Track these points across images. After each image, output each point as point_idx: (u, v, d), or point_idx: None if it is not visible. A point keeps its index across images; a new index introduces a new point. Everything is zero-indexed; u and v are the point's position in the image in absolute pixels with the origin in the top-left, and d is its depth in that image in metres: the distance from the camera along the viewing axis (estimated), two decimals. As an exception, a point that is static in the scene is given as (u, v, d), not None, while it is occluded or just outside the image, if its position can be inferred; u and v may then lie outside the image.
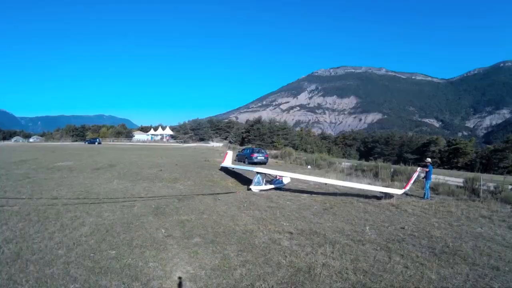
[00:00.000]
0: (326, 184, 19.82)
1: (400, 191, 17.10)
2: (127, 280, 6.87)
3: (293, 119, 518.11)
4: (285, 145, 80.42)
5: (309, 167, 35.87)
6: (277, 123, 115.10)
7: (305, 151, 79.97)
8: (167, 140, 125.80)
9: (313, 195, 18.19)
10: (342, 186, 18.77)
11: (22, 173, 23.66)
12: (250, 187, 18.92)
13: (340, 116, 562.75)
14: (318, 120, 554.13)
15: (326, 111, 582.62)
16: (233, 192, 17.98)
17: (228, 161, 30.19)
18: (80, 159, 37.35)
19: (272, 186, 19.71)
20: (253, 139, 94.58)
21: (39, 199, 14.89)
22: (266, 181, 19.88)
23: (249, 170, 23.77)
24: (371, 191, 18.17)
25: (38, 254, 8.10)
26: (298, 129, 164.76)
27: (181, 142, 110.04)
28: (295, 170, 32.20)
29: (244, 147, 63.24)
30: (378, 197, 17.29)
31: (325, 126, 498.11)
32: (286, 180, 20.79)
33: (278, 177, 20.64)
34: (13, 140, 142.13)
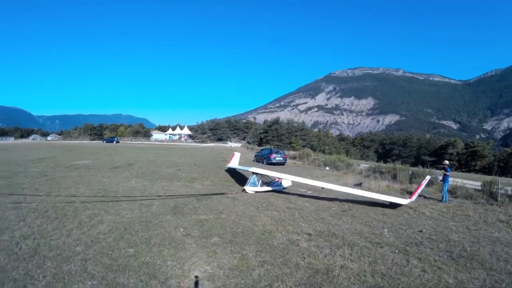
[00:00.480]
0: (323, 188, 18.46)
1: (406, 201, 15.81)
2: (145, 278, 6.85)
3: (311, 120, 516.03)
4: (303, 146, 79.92)
5: (327, 168, 35.46)
6: (295, 124, 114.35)
7: (323, 152, 79.19)
8: (185, 139, 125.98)
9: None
10: (343, 192, 17.14)
11: (40, 171, 24.00)
12: (244, 187, 18.44)
13: (358, 117, 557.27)
14: (336, 121, 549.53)
15: (344, 112, 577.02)
16: (223, 193, 17.54)
17: (234, 162, 29.05)
18: (98, 157, 37.77)
19: (269, 188, 19.07)
20: (271, 139, 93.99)
21: (57, 196, 15.01)
22: (263, 182, 19.47)
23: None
24: (375, 199, 16.51)
25: (56, 251, 8.12)
26: (316, 130, 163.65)
27: (199, 142, 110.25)
28: (313, 171, 32.23)
29: (262, 147, 62.95)
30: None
31: (343, 127, 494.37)
32: (286, 183, 19.99)
33: (277, 179, 19.91)
34: (30, 138, 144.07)
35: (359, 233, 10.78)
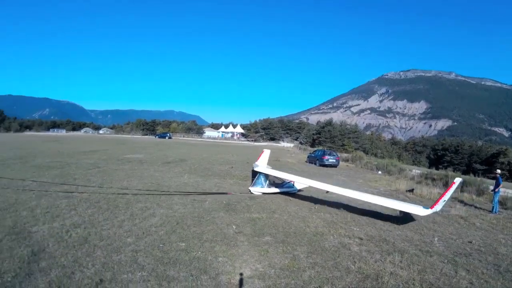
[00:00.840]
0: (327, 192, 16.36)
1: (426, 212, 12.79)
2: (195, 272, 6.84)
3: (363, 122, 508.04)
4: (355, 149, 78.85)
5: (379, 172, 34.69)
6: (348, 126, 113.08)
7: (376, 155, 77.49)
8: (238, 138, 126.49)
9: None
10: (348, 197, 15.29)
11: (92, 163, 24.66)
12: (250, 188, 17.46)
13: (410, 121, 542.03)
14: (389, 124, 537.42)
15: (397, 116, 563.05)
16: (226, 193, 16.46)
17: (262, 161, 22.58)
18: (150, 152, 38.57)
19: (277, 190, 17.78)
20: (324, 141, 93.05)
21: (109, 188, 15.23)
22: (274, 182, 18.39)
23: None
24: (388, 207, 14.07)
25: (106, 241, 8.15)
26: (368, 133, 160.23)
27: (252, 140, 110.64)
28: (365, 175, 31.97)
29: (315, 148, 62.90)
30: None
31: (395, 131, 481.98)
32: (300, 186, 18.56)
33: (290, 181, 18.37)
34: (82, 131, 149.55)
35: (409, 240, 10.65)
